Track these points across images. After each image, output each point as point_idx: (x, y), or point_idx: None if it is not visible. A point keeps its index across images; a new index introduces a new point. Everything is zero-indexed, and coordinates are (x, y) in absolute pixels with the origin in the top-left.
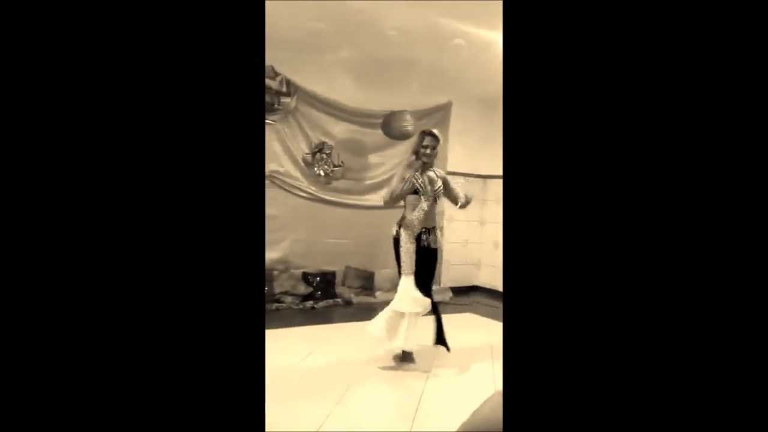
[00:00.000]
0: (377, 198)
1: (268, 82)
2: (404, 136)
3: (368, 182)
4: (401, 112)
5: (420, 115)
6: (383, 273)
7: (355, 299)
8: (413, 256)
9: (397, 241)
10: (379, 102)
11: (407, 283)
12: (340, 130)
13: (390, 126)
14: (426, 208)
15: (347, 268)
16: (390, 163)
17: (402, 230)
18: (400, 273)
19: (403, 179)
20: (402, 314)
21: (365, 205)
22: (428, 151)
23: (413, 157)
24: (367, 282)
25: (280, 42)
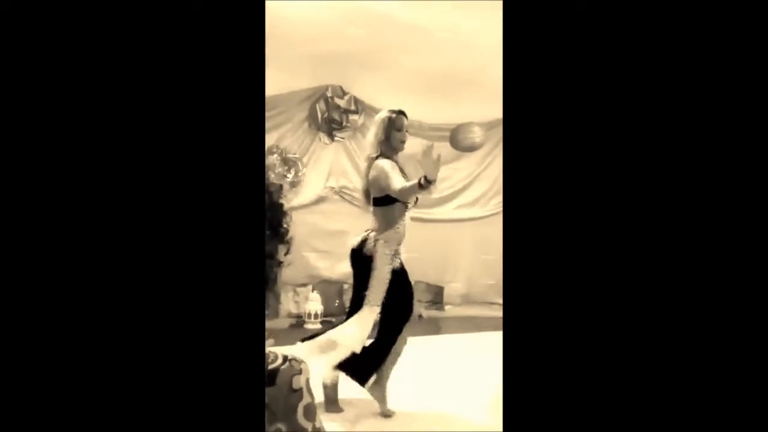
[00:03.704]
0: (446, 211)
1: (336, 100)
2: (472, 149)
3: (436, 196)
4: (468, 124)
5: (489, 126)
6: (452, 287)
7: (424, 313)
8: (387, 284)
9: (363, 259)
10: (446, 115)
11: (369, 320)
12: (407, 144)
13: (457, 138)
14: (408, 219)
15: (416, 282)
16: (457, 176)
17: (379, 246)
18: (358, 301)
19: (388, 174)
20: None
21: (434, 219)
22: (406, 138)
23: (377, 151)
24: (436, 296)
25: (348, 61)
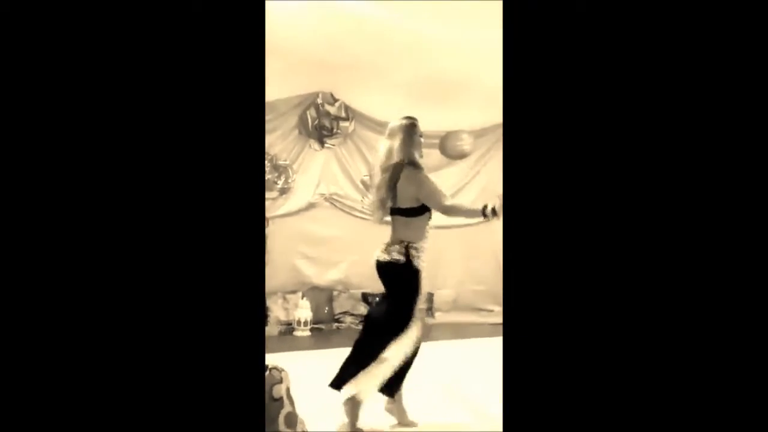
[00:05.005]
0: (435, 218)
1: (327, 107)
2: (460, 156)
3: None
4: (457, 132)
5: (477, 134)
6: (442, 294)
7: None
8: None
9: (400, 271)
10: (437, 122)
11: (415, 334)
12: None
13: (446, 146)
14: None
15: None
16: (447, 183)
17: (417, 260)
18: (400, 318)
19: (431, 187)
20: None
21: None
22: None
23: (404, 157)
24: (426, 303)
25: (338, 68)
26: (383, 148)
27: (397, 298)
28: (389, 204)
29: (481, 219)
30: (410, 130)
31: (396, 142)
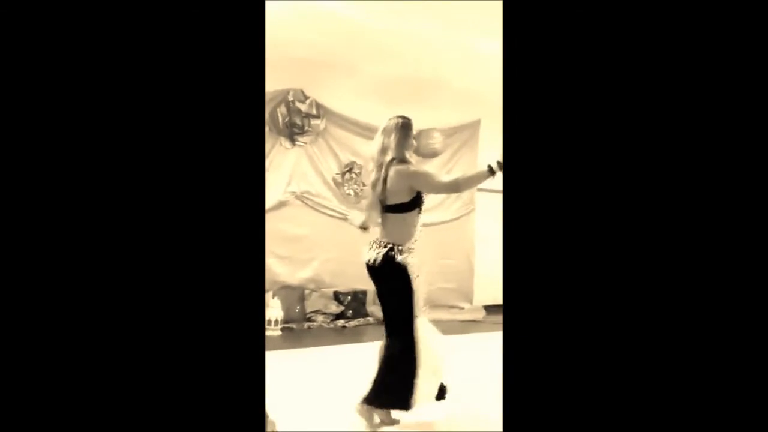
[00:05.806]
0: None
1: (298, 105)
2: (432, 155)
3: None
4: (429, 131)
5: (448, 133)
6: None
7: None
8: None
9: (393, 271)
10: None
11: (430, 329)
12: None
13: (419, 145)
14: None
15: None
16: None
17: (408, 257)
18: (402, 317)
19: (427, 174)
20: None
21: None
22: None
23: (396, 155)
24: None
25: (310, 65)
26: (376, 145)
27: (391, 299)
28: (382, 202)
29: (491, 177)
30: (405, 129)
31: (391, 141)
